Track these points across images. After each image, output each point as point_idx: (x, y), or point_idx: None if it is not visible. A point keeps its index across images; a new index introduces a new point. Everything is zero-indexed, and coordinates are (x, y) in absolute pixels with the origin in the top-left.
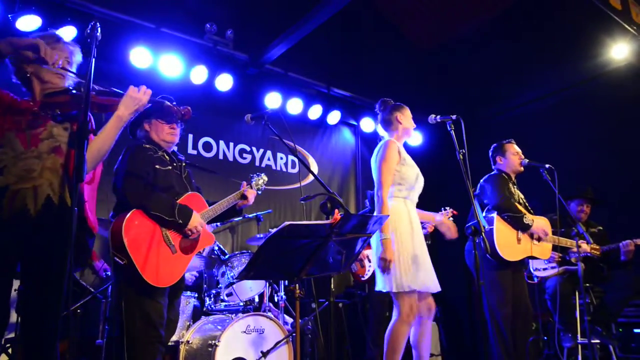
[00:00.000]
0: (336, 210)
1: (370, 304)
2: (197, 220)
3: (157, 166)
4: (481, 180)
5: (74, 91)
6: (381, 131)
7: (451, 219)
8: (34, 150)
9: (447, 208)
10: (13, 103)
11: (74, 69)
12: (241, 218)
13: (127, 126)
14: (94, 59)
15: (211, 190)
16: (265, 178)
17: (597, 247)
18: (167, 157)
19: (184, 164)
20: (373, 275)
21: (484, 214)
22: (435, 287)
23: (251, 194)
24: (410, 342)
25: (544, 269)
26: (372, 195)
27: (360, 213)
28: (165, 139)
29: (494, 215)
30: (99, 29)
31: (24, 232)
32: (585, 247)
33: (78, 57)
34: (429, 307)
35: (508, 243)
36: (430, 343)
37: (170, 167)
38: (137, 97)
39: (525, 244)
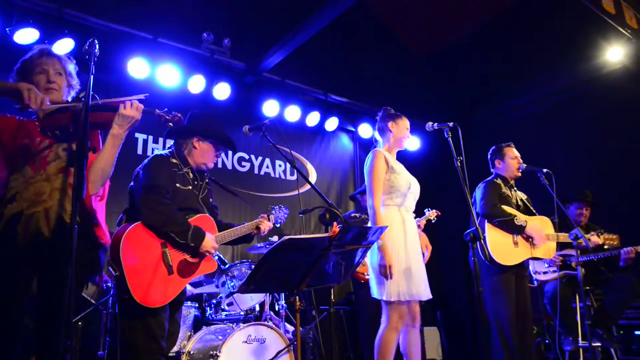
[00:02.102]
0: (334, 223)
1: (359, 310)
2: (210, 243)
3: (177, 185)
4: (476, 189)
5: (72, 104)
6: (377, 137)
7: (434, 220)
8: (42, 174)
9: (431, 209)
10: (20, 126)
11: (75, 79)
12: None
13: (169, 128)
14: (92, 76)
15: (228, 208)
16: (286, 211)
17: (614, 236)
18: (190, 175)
19: (206, 181)
20: None
21: (478, 221)
22: (427, 295)
23: (266, 227)
24: (401, 350)
25: (544, 273)
26: (354, 196)
27: (346, 215)
28: (207, 164)
29: (485, 221)
30: (97, 45)
31: (39, 254)
32: (595, 239)
33: (71, 66)
34: (414, 315)
35: (503, 248)
36: (419, 349)
37: (190, 187)
38: (129, 115)
39: (524, 246)
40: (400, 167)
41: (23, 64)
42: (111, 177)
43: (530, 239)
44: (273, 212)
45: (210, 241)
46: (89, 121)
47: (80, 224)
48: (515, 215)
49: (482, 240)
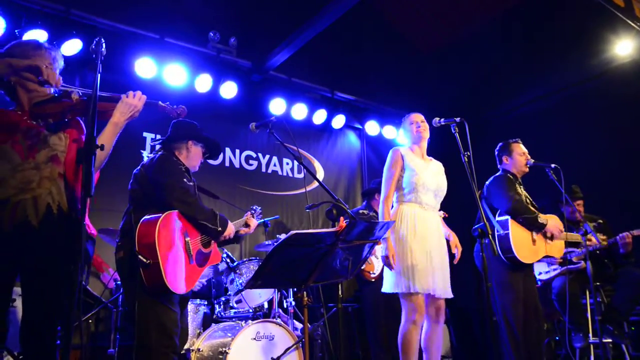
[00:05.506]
0: (341, 218)
1: (364, 308)
2: (231, 228)
3: (184, 179)
4: (487, 182)
5: (64, 99)
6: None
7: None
8: (31, 162)
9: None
10: (2, 116)
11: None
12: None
13: (171, 127)
14: (99, 75)
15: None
16: (258, 207)
17: (603, 237)
18: (188, 174)
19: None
20: (381, 275)
21: (496, 217)
22: (443, 292)
23: (253, 223)
24: (421, 345)
25: (546, 272)
26: (371, 193)
27: (353, 211)
28: (196, 166)
29: (508, 218)
30: (104, 44)
31: (25, 242)
32: (594, 240)
33: (61, 62)
34: (437, 311)
35: (524, 245)
36: (440, 346)
37: (191, 183)
38: (132, 103)
39: (540, 244)
40: (418, 164)
41: (14, 47)
42: (119, 176)
43: (551, 236)
44: (255, 210)
45: (231, 226)
46: (83, 109)
47: (73, 213)
48: (538, 214)
49: (490, 236)
